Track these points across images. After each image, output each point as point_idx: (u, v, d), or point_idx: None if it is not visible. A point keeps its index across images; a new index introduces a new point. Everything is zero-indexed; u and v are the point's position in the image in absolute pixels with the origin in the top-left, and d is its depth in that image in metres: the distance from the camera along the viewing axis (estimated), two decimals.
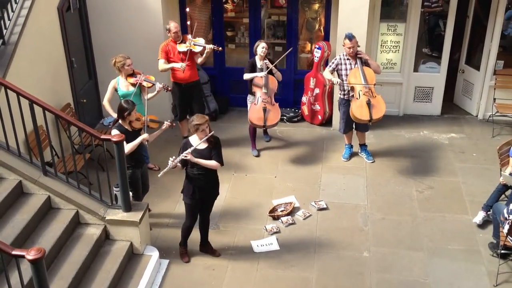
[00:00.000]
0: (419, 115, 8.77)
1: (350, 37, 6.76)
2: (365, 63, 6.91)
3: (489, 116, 8.42)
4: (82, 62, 8.00)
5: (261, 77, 7.06)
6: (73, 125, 5.44)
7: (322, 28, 8.60)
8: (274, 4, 8.72)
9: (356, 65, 6.88)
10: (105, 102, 6.65)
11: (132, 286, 5.26)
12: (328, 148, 7.91)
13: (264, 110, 7.11)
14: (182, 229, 5.73)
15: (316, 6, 8.60)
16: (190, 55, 7.09)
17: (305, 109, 8.65)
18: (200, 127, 5.17)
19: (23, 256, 3.74)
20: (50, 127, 5.63)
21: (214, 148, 5.32)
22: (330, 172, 7.34)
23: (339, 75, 7.03)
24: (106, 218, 5.48)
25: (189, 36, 7.13)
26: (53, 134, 6.25)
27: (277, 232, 6.20)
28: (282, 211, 6.50)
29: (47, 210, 5.44)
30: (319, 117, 8.50)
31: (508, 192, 6.16)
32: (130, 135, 5.62)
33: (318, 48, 8.26)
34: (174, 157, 5.24)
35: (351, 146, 7.64)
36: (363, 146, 7.62)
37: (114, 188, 5.51)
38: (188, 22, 7.30)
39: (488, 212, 6.13)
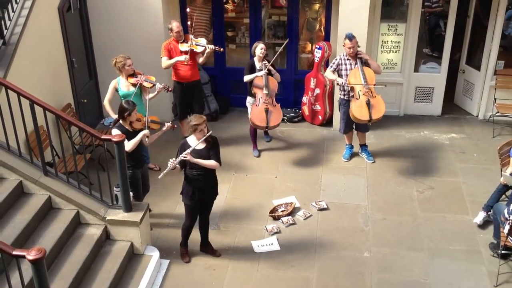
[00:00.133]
0: (419, 115, 8.77)
1: (350, 37, 6.76)
2: (365, 63, 6.91)
3: (490, 116, 8.41)
4: (83, 62, 8.00)
5: (261, 76, 7.05)
6: (74, 125, 5.45)
7: (322, 28, 8.60)
8: (274, 4, 8.71)
9: (356, 65, 6.87)
10: (106, 103, 6.64)
11: (133, 286, 5.26)
12: (329, 149, 7.91)
13: (266, 111, 7.10)
14: (182, 229, 5.74)
15: (317, 6, 8.60)
16: (191, 55, 7.10)
17: (305, 109, 8.65)
18: (198, 127, 5.17)
19: (23, 256, 3.74)
20: (51, 127, 5.64)
21: (213, 148, 5.32)
22: (331, 172, 7.34)
23: (339, 76, 7.03)
24: (106, 218, 5.48)
25: (191, 36, 7.13)
26: (54, 134, 6.26)
27: (278, 232, 6.20)
28: (282, 211, 6.50)
29: (48, 210, 5.44)
30: (320, 117, 8.50)
31: (508, 192, 6.16)
32: (131, 136, 5.61)
33: (318, 48, 8.25)
34: (174, 158, 5.24)
35: (352, 146, 7.64)
36: (363, 146, 7.62)
37: (115, 188, 5.51)
38: (189, 23, 7.32)
39: (489, 213, 6.12)
